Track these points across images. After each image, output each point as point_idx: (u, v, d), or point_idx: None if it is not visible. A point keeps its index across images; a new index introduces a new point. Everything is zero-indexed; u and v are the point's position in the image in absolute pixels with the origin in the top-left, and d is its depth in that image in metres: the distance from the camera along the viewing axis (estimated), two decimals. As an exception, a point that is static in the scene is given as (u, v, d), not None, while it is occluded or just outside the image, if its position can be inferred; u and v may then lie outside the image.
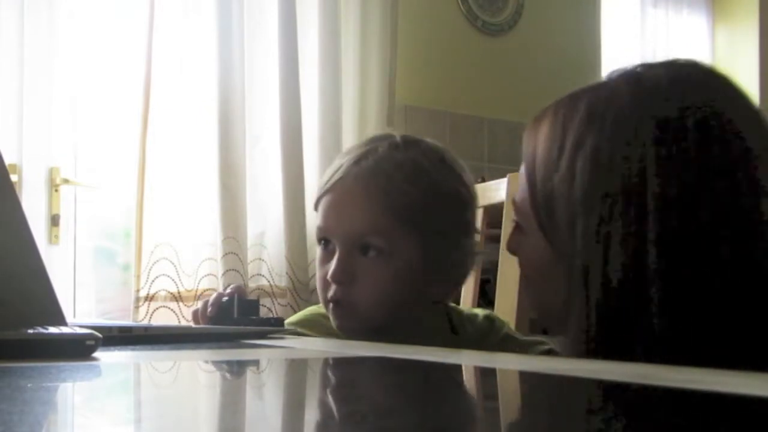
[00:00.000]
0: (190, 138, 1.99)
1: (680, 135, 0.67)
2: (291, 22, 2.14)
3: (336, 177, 0.98)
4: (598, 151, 0.68)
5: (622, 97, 0.70)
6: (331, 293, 0.97)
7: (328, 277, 0.96)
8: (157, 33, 1.96)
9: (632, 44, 3.22)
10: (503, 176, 1.34)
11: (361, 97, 2.33)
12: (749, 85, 3.28)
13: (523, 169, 0.78)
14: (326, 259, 0.98)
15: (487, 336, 1.04)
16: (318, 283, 1.01)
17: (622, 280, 0.66)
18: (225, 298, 1.03)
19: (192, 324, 1.10)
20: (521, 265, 0.82)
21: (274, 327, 0.95)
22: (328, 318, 1.03)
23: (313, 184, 2.17)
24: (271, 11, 2.12)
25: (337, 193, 0.98)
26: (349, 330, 0.99)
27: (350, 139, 2.26)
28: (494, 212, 1.37)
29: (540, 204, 0.73)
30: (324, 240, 0.99)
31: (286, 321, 1.06)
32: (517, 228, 0.81)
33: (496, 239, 1.30)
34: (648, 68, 0.73)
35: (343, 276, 0.95)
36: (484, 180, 1.77)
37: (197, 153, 1.99)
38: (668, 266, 0.65)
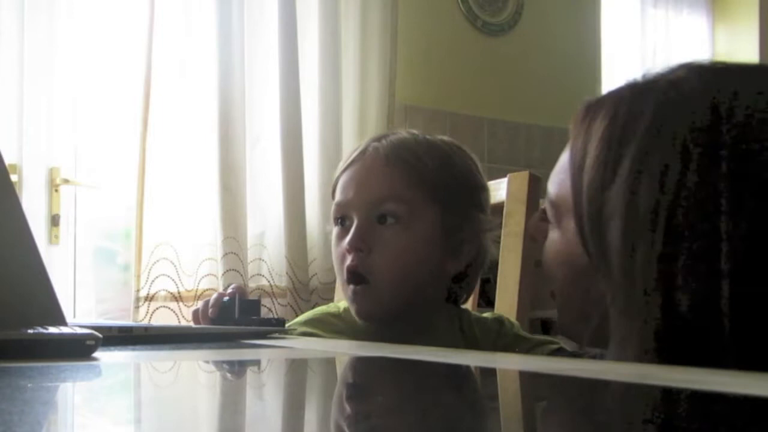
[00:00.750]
0: (190, 138, 1.99)
1: (762, 158, 0.59)
2: (291, 22, 2.14)
3: (356, 154, 1.00)
4: (667, 171, 0.60)
5: (698, 104, 0.61)
6: (347, 262, 0.95)
7: (345, 244, 0.95)
8: (157, 33, 1.96)
9: (632, 44, 3.23)
10: (503, 176, 1.34)
11: (361, 97, 2.33)
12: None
13: (564, 161, 0.71)
14: (343, 235, 0.97)
15: (498, 338, 1.04)
16: (335, 262, 1.00)
17: (690, 316, 0.59)
18: (226, 298, 1.03)
19: (192, 324, 1.10)
20: (545, 262, 0.76)
21: (275, 327, 0.95)
22: (338, 317, 1.03)
23: (313, 184, 2.17)
24: (271, 11, 2.13)
25: (357, 166, 0.99)
26: (366, 315, 0.97)
27: (350, 139, 2.26)
28: (494, 212, 1.37)
29: (584, 211, 0.66)
30: (341, 218, 0.99)
31: (294, 321, 1.06)
32: (544, 219, 0.75)
33: (497, 239, 1.30)
34: (728, 73, 0.65)
35: (360, 243, 0.95)
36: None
37: (197, 153, 2.00)
38: (743, 302, 0.58)
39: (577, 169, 0.67)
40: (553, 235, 0.73)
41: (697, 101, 0.61)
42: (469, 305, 1.40)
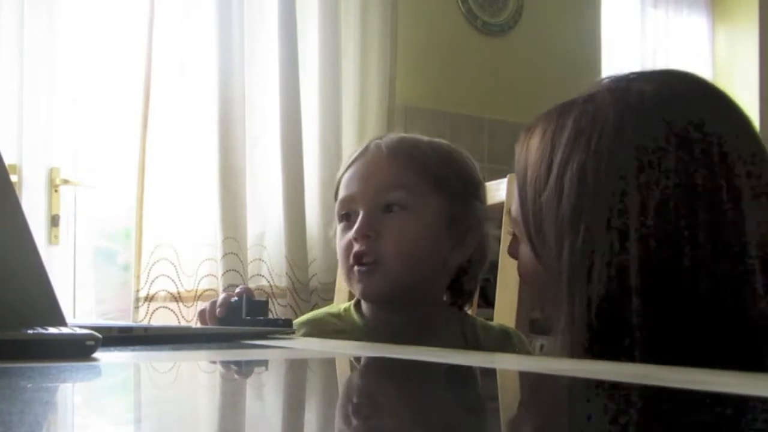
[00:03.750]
0: (190, 138, 1.99)
1: (662, 154, 0.66)
2: (291, 22, 2.14)
3: (357, 153, 1.03)
4: (583, 171, 0.68)
5: (607, 114, 0.69)
6: (355, 249, 0.97)
7: (352, 234, 0.97)
8: (157, 33, 1.96)
9: (632, 44, 3.22)
10: (503, 176, 1.34)
11: (361, 97, 2.33)
12: (749, 85, 3.29)
13: (515, 181, 0.79)
14: (348, 228, 0.99)
15: (502, 349, 1.05)
16: (340, 254, 1.01)
17: (606, 300, 0.66)
18: (234, 299, 1.03)
19: (197, 323, 1.11)
20: (520, 273, 0.83)
21: (280, 328, 0.94)
22: (337, 316, 1.04)
23: (313, 184, 2.17)
24: (271, 12, 2.12)
25: (359, 163, 1.02)
26: (373, 294, 0.99)
27: (350, 140, 2.26)
28: (494, 212, 1.37)
29: (529, 219, 0.73)
30: (345, 214, 1.01)
31: (294, 322, 1.06)
32: (514, 236, 0.82)
33: (496, 239, 1.30)
34: (634, 81, 0.72)
35: (368, 230, 0.97)
36: (484, 180, 1.77)
37: (197, 153, 1.99)
38: (651, 286, 0.65)
39: (521, 184, 0.75)
40: (522, 250, 0.79)
41: (607, 109, 0.70)
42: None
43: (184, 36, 2.01)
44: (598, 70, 3.05)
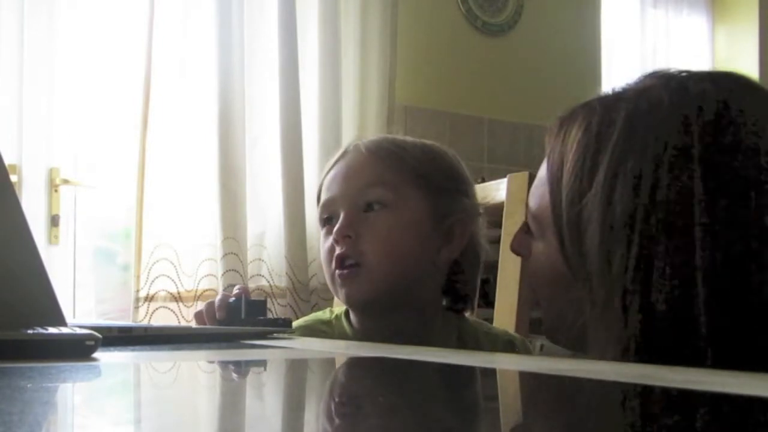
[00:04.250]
0: (189, 138, 1.99)
1: (729, 157, 0.61)
2: (291, 22, 2.14)
3: (339, 154, 1.01)
4: (640, 174, 0.62)
5: (666, 111, 0.64)
6: (337, 251, 0.94)
7: (333, 234, 0.94)
8: (157, 33, 1.96)
9: (632, 44, 3.23)
10: (503, 176, 1.33)
11: (361, 97, 2.33)
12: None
13: (543, 175, 0.72)
14: (330, 233, 0.96)
15: None
16: (324, 259, 0.98)
17: (669, 318, 0.61)
18: (232, 299, 1.02)
19: (194, 324, 1.10)
20: (529, 272, 0.78)
21: (280, 327, 0.94)
22: (327, 323, 1.02)
23: (313, 184, 2.17)
24: (271, 12, 2.13)
25: (340, 164, 0.99)
26: (358, 299, 0.95)
27: (350, 140, 2.25)
28: (494, 212, 1.37)
29: (564, 220, 0.68)
30: (327, 218, 0.98)
31: None
32: (527, 232, 0.77)
33: (496, 240, 1.30)
34: (690, 79, 0.67)
35: (349, 230, 0.93)
36: (484, 180, 1.77)
37: (197, 153, 2.00)
38: (718, 302, 0.60)
39: (555, 180, 0.69)
40: (537, 247, 0.74)
41: (666, 108, 0.64)
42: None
43: (184, 36, 2.01)
44: (598, 70, 3.05)
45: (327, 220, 0.98)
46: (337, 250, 0.94)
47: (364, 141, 1.00)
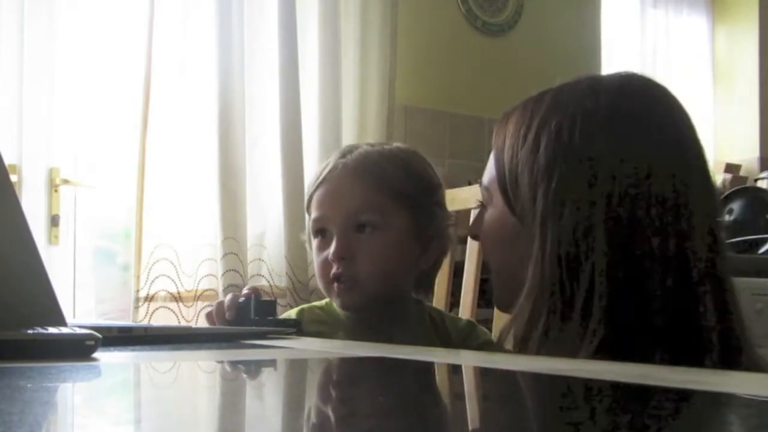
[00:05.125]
0: (189, 138, 1.99)
1: (624, 122, 0.79)
2: (291, 22, 2.14)
3: (325, 171, 1.09)
4: (560, 128, 0.79)
5: (583, 90, 0.82)
6: (333, 270, 1.05)
7: (330, 257, 1.05)
8: (157, 33, 1.96)
9: (632, 44, 3.23)
10: (503, 176, 1.33)
11: (361, 97, 2.33)
12: (749, 85, 3.29)
13: (492, 155, 0.89)
14: (324, 246, 1.07)
15: (468, 339, 1.14)
16: (318, 269, 1.09)
17: (574, 239, 0.76)
18: (242, 299, 1.03)
19: (204, 324, 1.13)
20: (483, 242, 0.92)
21: (287, 328, 0.94)
22: (321, 308, 1.13)
23: (308, 188, 2.17)
24: (271, 12, 2.12)
25: (329, 183, 1.08)
26: (351, 307, 1.07)
27: (350, 140, 2.26)
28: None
29: (505, 177, 0.83)
30: (320, 230, 1.08)
31: (286, 313, 1.14)
32: (481, 208, 0.90)
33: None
34: (608, 74, 0.87)
35: (344, 252, 1.04)
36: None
37: (197, 153, 1.99)
38: (610, 233, 0.75)
39: (499, 150, 0.87)
40: (487, 214, 0.88)
41: (583, 86, 0.83)
42: (468, 305, 1.41)
43: (184, 36, 2.00)
44: (598, 70, 3.05)
45: (320, 232, 1.09)
46: (334, 269, 1.05)
47: (349, 159, 1.08)
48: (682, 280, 0.74)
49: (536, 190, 0.79)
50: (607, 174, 0.76)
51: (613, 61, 3.13)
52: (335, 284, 1.05)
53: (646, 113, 0.81)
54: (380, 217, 1.06)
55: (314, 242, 1.10)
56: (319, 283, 1.10)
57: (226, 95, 2.00)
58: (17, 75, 1.84)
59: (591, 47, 3.05)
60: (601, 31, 3.09)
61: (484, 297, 1.61)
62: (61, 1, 1.92)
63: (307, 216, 1.14)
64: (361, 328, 1.07)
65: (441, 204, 1.13)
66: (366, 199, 1.06)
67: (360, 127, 2.31)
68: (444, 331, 1.14)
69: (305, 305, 1.17)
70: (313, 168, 2.17)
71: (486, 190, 0.89)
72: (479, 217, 0.92)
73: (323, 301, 1.15)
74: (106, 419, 0.35)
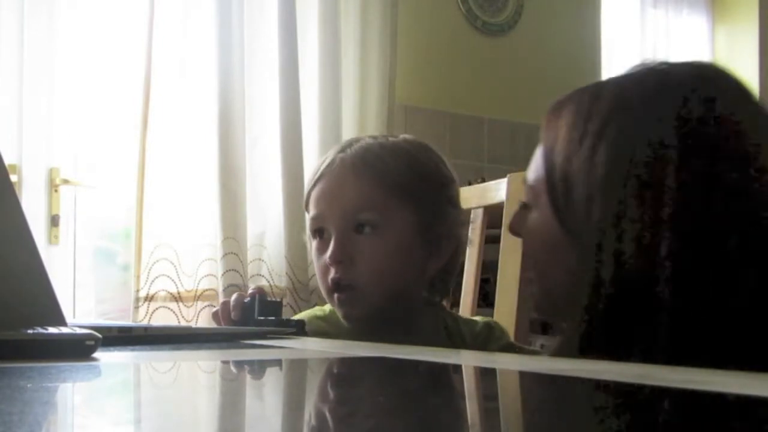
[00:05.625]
0: (189, 138, 1.99)
1: (702, 129, 0.68)
2: (291, 22, 2.14)
3: (323, 166, 1.01)
4: (621, 137, 0.70)
5: (649, 87, 0.72)
6: (331, 275, 0.97)
7: (326, 259, 0.97)
8: (157, 33, 1.96)
9: (632, 44, 3.23)
10: (503, 176, 1.34)
11: (361, 97, 2.33)
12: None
13: (538, 152, 0.79)
14: (322, 247, 0.99)
15: (487, 343, 1.05)
16: (318, 273, 1.01)
17: (633, 264, 0.67)
18: (247, 299, 1.02)
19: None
20: (525, 243, 0.83)
21: (286, 328, 0.94)
22: (323, 318, 1.04)
23: (306, 184, 2.17)
24: (271, 12, 2.12)
25: (327, 180, 1.00)
26: (355, 317, 0.99)
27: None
28: (494, 212, 1.37)
29: (556, 183, 0.74)
30: (318, 230, 1.01)
31: None
32: (524, 207, 0.82)
33: (496, 239, 1.30)
34: (672, 66, 0.75)
35: (342, 255, 0.96)
36: (484, 180, 1.77)
37: (197, 153, 1.99)
38: (681, 252, 0.66)
39: (549, 150, 0.76)
40: (532, 216, 0.80)
41: (650, 83, 0.73)
42: (468, 305, 1.40)
43: (184, 36, 2.00)
44: (598, 70, 3.05)
45: (318, 232, 1.01)
46: (332, 274, 0.97)
47: (349, 153, 1.00)
48: None
49: (591, 206, 0.70)
50: (677, 190, 0.66)
51: (613, 61, 3.13)
52: (335, 294, 0.98)
53: (726, 123, 0.69)
54: (381, 215, 0.97)
55: (313, 243, 1.02)
56: (320, 288, 1.03)
57: (226, 95, 2.00)
58: (17, 75, 1.84)
59: (591, 47, 3.05)
60: (601, 31, 3.09)
61: (485, 297, 1.61)
62: (61, 1, 1.92)
63: (306, 214, 1.06)
64: (368, 339, 0.96)
65: (453, 201, 1.03)
66: (365, 197, 0.97)
67: (360, 127, 2.31)
68: (459, 339, 1.04)
69: (305, 314, 1.09)
70: (313, 168, 2.17)
71: (531, 189, 0.80)
72: (521, 214, 0.82)
73: (327, 308, 1.07)
74: (106, 419, 0.35)
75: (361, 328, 1.01)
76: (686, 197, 0.66)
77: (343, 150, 1.01)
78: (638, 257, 0.67)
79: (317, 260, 1.01)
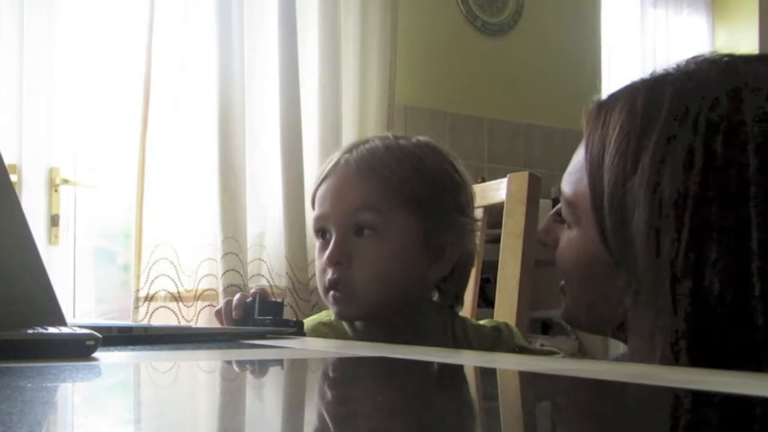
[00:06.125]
0: (189, 138, 1.99)
1: None
2: (291, 22, 2.14)
3: (329, 166, 1.00)
4: (692, 154, 0.59)
5: (716, 90, 0.61)
6: (328, 276, 0.96)
7: (324, 259, 0.97)
8: (157, 33, 1.96)
9: (632, 44, 3.23)
10: (503, 176, 1.34)
11: (361, 97, 2.33)
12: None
13: (579, 160, 0.70)
14: (323, 248, 0.98)
15: (494, 346, 1.03)
16: (317, 274, 1.01)
17: (723, 301, 0.58)
18: (249, 299, 1.03)
19: (194, 324, 1.10)
20: (560, 258, 0.75)
21: (286, 328, 0.94)
22: (328, 325, 1.04)
23: (313, 184, 2.17)
24: (271, 11, 2.13)
25: (331, 180, 1.00)
26: (348, 317, 0.99)
27: (350, 140, 2.26)
28: (494, 212, 1.37)
29: (605, 205, 0.65)
30: (321, 231, 1.00)
31: None
32: (558, 220, 0.75)
33: (497, 239, 1.30)
34: (740, 60, 0.64)
35: (340, 256, 0.96)
36: (484, 180, 1.77)
37: (197, 153, 2.00)
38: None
39: (595, 165, 0.66)
40: (570, 234, 0.72)
41: (715, 87, 0.61)
42: (468, 305, 1.40)
43: (184, 36, 2.01)
44: (598, 70, 3.05)
45: (320, 233, 1.00)
46: (329, 275, 0.96)
47: (354, 155, 0.99)
48: None
49: (658, 241, 0.60)
50: (760, 220, 0.56)
51: (613, 61, 3.13)
52: (331, 292, 0.97)
53: None
54: (381, 219, 0.95)
55: (317, 243, 1.01)
56: (318, 289, 1.02)
57: (226, 95, 2.00)
58: (17, 75, 1.84)
59: (591, 47, 3.05)
60: (601, 31, 3.09)
61: (485, 297, 1.61)
62: (61, 1, 1.93)
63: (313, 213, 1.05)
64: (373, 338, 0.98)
65: (463, 207, 1.00)
66: (365, 199, 0.96)
67: (360, 127, 2.31)
68: (466, 344, 1.02)
69: (311, 320, 1.07)
70: (313, 168, 2.17)
71: (571, 206, 0.71)
72: (553, 227, 0.75)
73: (329, 317, 1.05)
74: (106, 419, 0.35)
75: (365, 335, 1.00)
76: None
77: (349, 151, 1.00)
78: (731, 291, 0.58)
79: (318, 260, 1.00)
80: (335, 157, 1.01)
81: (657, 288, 0.61)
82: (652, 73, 0.68)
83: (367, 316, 0.98)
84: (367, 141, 1.02)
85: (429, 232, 0.97)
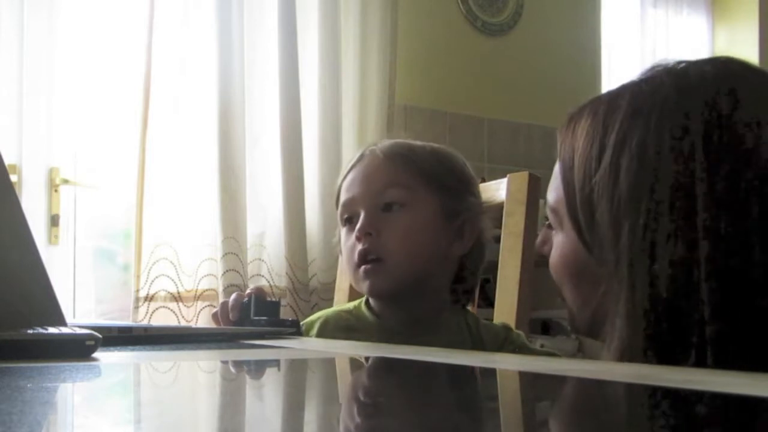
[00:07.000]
0: (189, 138, 1.99)
1: (729, 130, 0.64)
2: (291, 22, 2.14)
3: (354, 160, 1.07)
4: (644, 148, 0.65)
5: (667, 91, 0.67)
6: (360, 248, 1.00)
7: (355, 233, 1.01)
8: (157, 33, 1.96)
9: (632, 44, 3.23)
10: (503, 176, 1.33)
11: (361, 97, 2.33)
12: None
13: (557, 169, 0.75)
14: (351, 231, 1.03)
15: (504, 343, 1.08)
16: (346, 256, 1.05)
17: (674, 281, 0.62)
18: (245, 300, 1.03)
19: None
20: (551, 265, 0.78)
21: (286, 328, 0.95)
22: (349, 312, 1.07)
23: (312, 184, 2.17)
24: (271, 11, 2.13)
25: (357, 169, 1.06)
26: (378, 290, 1.02)
27: (350, 140, 2.26)
28: (494, 212, 1.37)
29: (577, 204, 0.70)
30: (348, 218, 1.04)
31: (307, 320, 1.09)
32: (549, 228, 0.78)
33: (496, 240, 1.30)
34: (691, 64, 0.70)
35: (370, 228, 1.00)
36: (484, 180, 1.77)
37: (197, 153, 2.00)
38: (721, 265, 0.61)
39: (567, 169, 0.72)
40: (557, 239, 0.76)
41: (667, 88, 0.67)
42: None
43: (184, 36, 2.01)
44: (598, 70, 3.05)
45: (348, 220, 1.05)
46: (360, 247, 1.00)
47: (378, 146, 1.06)
48: None
49: (619, 228, 0.65)
50: (710, 200, 0.61)
51: (613, 61, 3.13)
52: (362, 266, 1.00)
53: (754, 121, 0.63)
54: (408, 195, 1.02)
55: (342, 232, 1.05)
56: (347, 271, 1.06)
57: (226, 95, 2.00)
58: (17, 75, 1.84)
59: (591, 47, 3.05)
60: (601, 30, 3.09)
61: (485, 297, 1.61)
62: (61, 1, 1.93)
63: (336, 211, 1.08)
64: (392, 331, 1.01)
65: (475, 195, 1.08)
66: (393, 177, 1.02)
67: (360, 127, 2.31)
68: (479, 340, 1.06)
69: (329, 310, 1.11)
70: (313, 168, 2.17)
71: (553, 212, 0.76)
72: (548, 235, 0.78)
73: (351, 304, 1.09)
74: (106, 419, 0.35)
75: (388, 321, 1.04)
76: (720, 206, 0.62)
77: (373, 145, 1.08)
78: (678, 275, 0.62)
79: (345, 243, 1.04)
80: (359, 152, 1.08)
81: (617, 274, 0.65)
82: (617, 86, 0.73)
83: (397, 290, 1.01)
84: (387, 139, 1.10)
85: (449, 210, 1.04)
